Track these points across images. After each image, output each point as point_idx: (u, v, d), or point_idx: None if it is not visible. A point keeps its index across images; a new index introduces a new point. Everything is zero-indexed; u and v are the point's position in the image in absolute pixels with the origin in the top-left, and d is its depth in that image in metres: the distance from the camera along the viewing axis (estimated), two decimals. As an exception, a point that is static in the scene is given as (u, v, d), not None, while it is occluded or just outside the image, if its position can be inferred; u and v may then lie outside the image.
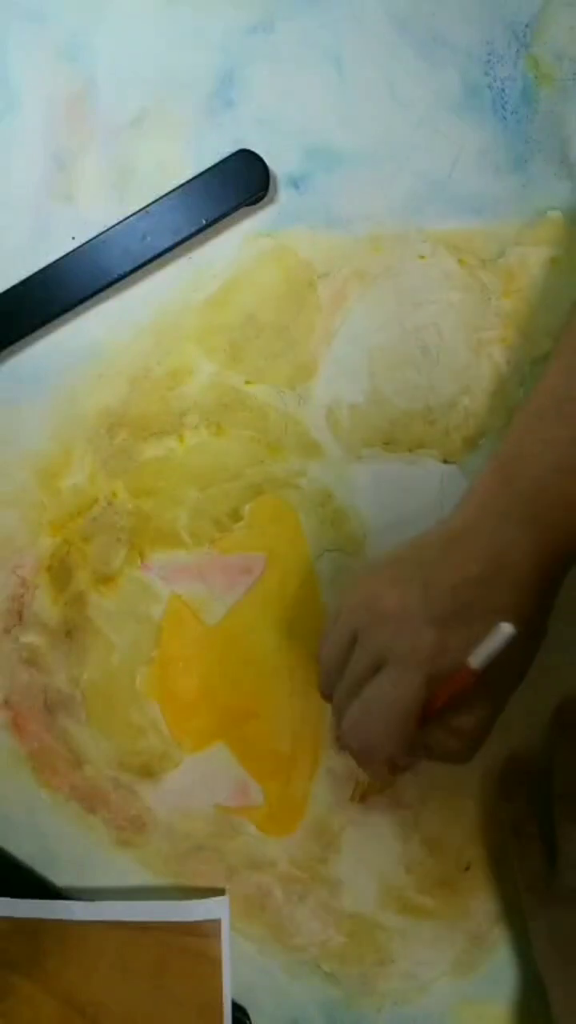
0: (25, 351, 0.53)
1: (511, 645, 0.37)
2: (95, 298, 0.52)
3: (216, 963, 0.52)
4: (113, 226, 0.51)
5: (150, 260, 0.51)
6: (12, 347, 0.52)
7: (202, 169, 0.51)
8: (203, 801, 0.53)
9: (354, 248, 0.53)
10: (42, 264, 0.51)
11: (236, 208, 0.51)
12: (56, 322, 0.52)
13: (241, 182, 0.51)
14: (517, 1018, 0.52)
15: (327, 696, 0.46)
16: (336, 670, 0.44)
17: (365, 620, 0.43)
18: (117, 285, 0.52)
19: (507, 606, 0.41)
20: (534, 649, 0.43)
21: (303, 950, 0.53)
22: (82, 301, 0.52)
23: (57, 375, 0.53)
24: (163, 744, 0.53)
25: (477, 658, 0.36)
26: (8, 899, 0.52)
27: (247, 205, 0.52)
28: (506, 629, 0.34)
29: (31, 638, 0.53)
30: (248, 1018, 0.53)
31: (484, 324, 0.52)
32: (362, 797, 0.52)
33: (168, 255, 0.52)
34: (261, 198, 0.52)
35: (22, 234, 0.53)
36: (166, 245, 0.51)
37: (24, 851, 0.54)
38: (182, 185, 0.51)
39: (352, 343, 0.53)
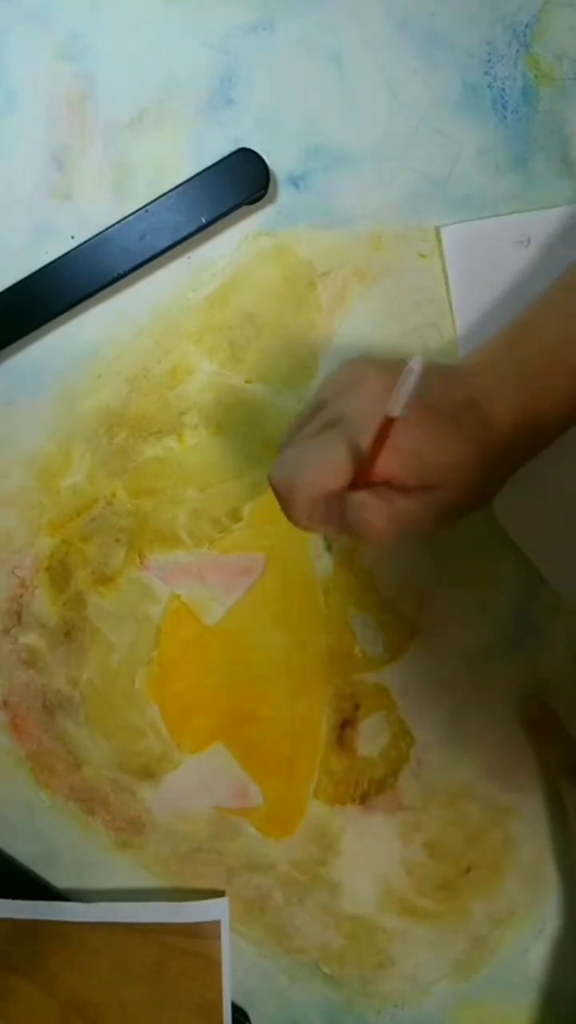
0: (24, 351, 0.53)
1: (463, 474, 0.39)
2: (94, 298, 0.52)
3: (216, 965, 0.51)
4: (112, 225, 0.51)
5: (149, 259, 0.51)
6: (12, 347, 0.52)
7: (202, 168, 0.51)
8: (202, 802, 0.53)
9: (354, 247, 0.52)
10: (41, 263, 0.51)
11: (236, 207, 0.51)
12: (55, 322, 0.52)
13: (241, 181, 0.51)
14: (518, 1020, 0.52)
15: None
16: (296, 431, 0.44)
17: (338, 390, 0.42)
18: (116, 284, 0.52)
19: (471, 438, 0.41)
20: (481, 494, 0.43)
21: (303, 952, 0.53)
22: (81, 300, 0.52)
23: (57, 375, 0.53)
24: (162, 745, 0.53)
25: (394, 404, 0.36)
26: (8, 901, 0.52)
27: (247, 204, 0.52)
28: (415, 365, 0.35)
29: (30, 639, 0.53)
30: (248, 1020, 0.52)
31: (484, 323, 0.52)
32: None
33: (167, 254, 0.52)
34: (261, 197, 0.52)
35: (21, 233, 0.53)
36: (165, 244, 0.51)
37: (24, 853, 0.54)
38: (181, 184, 0.51)
39: (352, 343, 0.53)
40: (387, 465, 0.39)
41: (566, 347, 0.44)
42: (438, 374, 0.43)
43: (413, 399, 0.36)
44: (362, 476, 0.40)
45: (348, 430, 0.40)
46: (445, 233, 0.52)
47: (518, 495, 0.49)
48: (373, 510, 0.40)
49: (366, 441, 0.39)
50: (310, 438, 0.42)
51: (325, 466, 0.40)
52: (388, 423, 0.37)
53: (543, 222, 0.52)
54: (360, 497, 0.40)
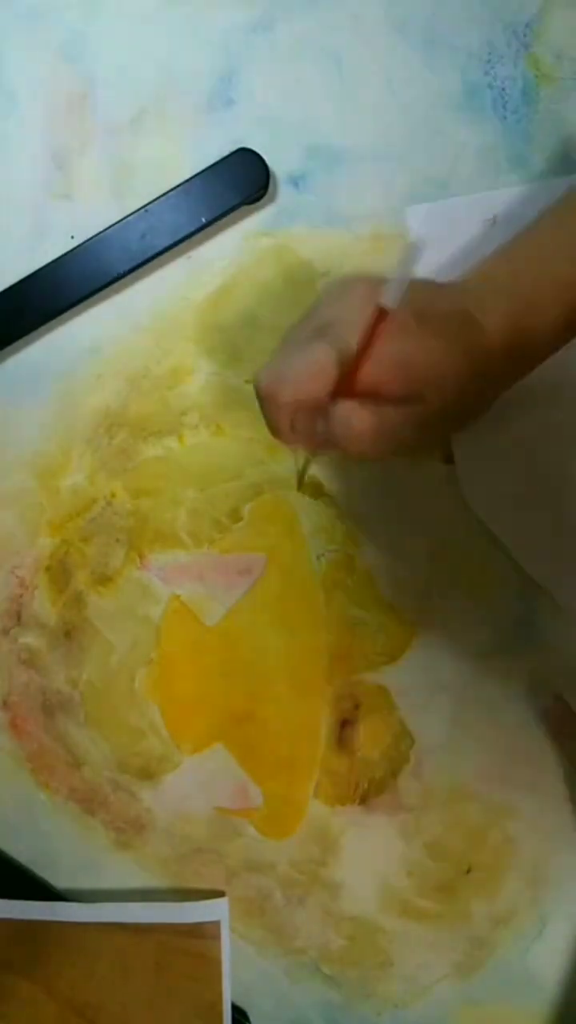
0: (24, 351, 0.53)
1: (451, 384, 0.38)
2: (94, 297, 0.52)
3: (216, 965, 0.51)
4: (112, 225, 0.51)
5: (149, 259, 0.51)
6: (12, 347, 0.52)
7: (202, 168, 0.51)
8: (202, 803, 0.53)
9: (354, 247, 0.52)
10: (41, 263, 0.51)
11: (236, 207, 0.51)
12: (55, 322, 0.52)
13: (241, 181, 0.51)
14: (518, 1020, 0.52)
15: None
16: (286, 342, 0.44)
17: (328, 300, 0.42)
18: (116, 284, 0.52)
19: (461, 349, 0.40)
20: (466, 409, 0.43)
21: (303, 953, 0.53)
22: (81, 300, 0.52)
23: (56, 375, 0.53)
24: (162, 745, 0.53)
25: (389, 293, 0.34)
26: (7, 901, 0.52)
27: (247, 204, 0.52)
28: (418, 243, 0.33)
29: (30, 639, 0.53)
30: (248, 1021, 0.52)
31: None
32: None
33: (167, 254, 0.52)
34: (261, 197, 0.52)
35: (21, 233, 0.53)
36: (165, 244, 0.51)
37: (23, 853, 0.53)
38: (181, 184, 0.51)
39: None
40: (374, 372, 0.39)
41: (554, 257, 0.43)
42: (433, 286, 0.43)
43: (407, 292, 0.34)
44: (349, 381, 0.39)
45: (335, 333, 0.40)
46: (410, 213, 0.52)
47: (484, 472, 0.49)
48: (359, 417, 0.39)
49: (353, 342, 0.38)
50: (298, 345, 0.41)
51: (309, 369, 0.39)
52: (380, 316, 0.36)
53: (507, 200, 0.52)
54: (346, 405, 0.39)
